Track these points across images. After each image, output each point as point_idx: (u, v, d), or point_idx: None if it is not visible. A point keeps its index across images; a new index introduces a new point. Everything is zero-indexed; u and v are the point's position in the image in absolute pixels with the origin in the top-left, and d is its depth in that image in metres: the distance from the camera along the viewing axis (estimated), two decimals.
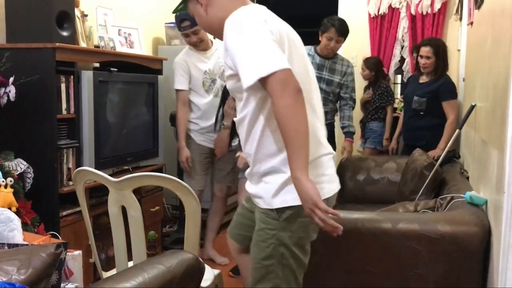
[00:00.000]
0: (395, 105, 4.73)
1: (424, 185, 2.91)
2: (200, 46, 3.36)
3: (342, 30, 3.56)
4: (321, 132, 1.69)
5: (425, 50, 3.72)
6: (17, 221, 1.87)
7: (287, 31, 1.61)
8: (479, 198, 2.16)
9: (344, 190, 3.91)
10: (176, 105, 3.43)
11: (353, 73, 3.76)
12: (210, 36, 3.40)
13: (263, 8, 1.64)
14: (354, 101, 3.79)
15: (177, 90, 3.39)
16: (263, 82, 1.43)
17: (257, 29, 1.48)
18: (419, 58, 3.78)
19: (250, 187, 1.72)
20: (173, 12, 1.91)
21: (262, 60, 1.42)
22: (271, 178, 1.60)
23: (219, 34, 1.62)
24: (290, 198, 1.54)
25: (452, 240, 1.99)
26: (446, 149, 3.09)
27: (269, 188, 1.60)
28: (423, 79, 3.81)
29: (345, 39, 3.62)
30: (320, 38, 3.65)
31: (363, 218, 2.15)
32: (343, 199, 3.92)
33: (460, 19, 4.43)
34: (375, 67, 4.52)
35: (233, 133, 3.14)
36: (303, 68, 1.63)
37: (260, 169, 1.62)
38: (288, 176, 1.51)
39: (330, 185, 1.66)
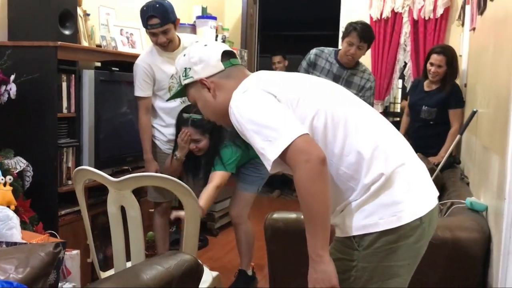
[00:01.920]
0: (397, 110, 4.75)
1: None
2: (169, 47, 2.89)
3: (365, 35, 3.23)
4: (388, 142, 1.45)
5: (438, 59, 3.59)
6: (15, 219, 1.87)
7: (289, 81, 1.53)
8: (479, 204, 2.15)
9: None
10: (138, 113, 2.99)
11: (373, 87, 3.42)
12: (179, 34, 3.01)
13: (261, 74, 1.58)
14: None
15: (138, 97, 2.95)
16: (281, 155, 1.30)
17: (260, 98, 1.41)
18: (429, 65, 3.64)
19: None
20: (168, 100, 1.83)
21: (274, 134, 1.32)
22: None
23: (228, 120, 1.47)
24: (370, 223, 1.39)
25: (453, 246, 1.98)
26: (447, 154, 3.09)
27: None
28: (430, 86, 3.71)
29: (369, 46, 3.32)
30: (341, 45, 3.40)
31: None
32: None
33: (462, 24, 4.43)
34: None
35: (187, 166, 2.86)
36: (329, 94, 1.50)
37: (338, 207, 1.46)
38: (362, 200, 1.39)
39: (417, 205, 1.41)
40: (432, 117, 3.66)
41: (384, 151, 1.40)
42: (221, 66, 1.54)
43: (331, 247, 1.46)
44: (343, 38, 3.33)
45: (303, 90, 1.47)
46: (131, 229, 1.83)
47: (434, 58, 3.59)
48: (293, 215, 2.28)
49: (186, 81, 1.55)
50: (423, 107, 3.70)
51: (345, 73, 3.37)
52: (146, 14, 2.80)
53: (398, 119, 4.57)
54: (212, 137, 2.68)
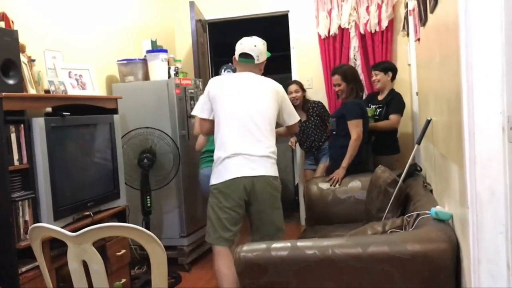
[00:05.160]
0: None
1: (390, 202, 2.92)
2: None
3: None
4: (232, 143, 2.92)
5: (334, 79, 4.08)
6: None
7: (216, 88, 3.04)
8: (444, 214, 2.17)
9: (312, 212, 3.91)
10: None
11: None
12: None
13: (219, 77, 3.31)
14: None
15: None
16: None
17: (205, 90, 3.12)
18: (333, 86, 4.16)
19: None
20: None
21: (196, 107, 3.23)
22: None
23: None
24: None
25: (423, 259, 1.98)
26: (408, 164, 3.12)
27: None
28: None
29: None
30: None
31: (333, 245, 2.12)
32: (312, 221, 3.91)
33: (408, 34, 4.55)
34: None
35: None
36: (230, 101, 2.98)
37: None
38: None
39: (229, 173, 2.89)
40: (333, 127, 4.02)
41: (225, 146, 2.93)
42: (237, 58, 3.10)
43: None
44: None
45: (222, 97, 3.00)
46: (95, 284, 1.75)
47: (332, 79, 4.12)
48: (263, 245, 2.24)
49: None
50: (330, 118, 4.17)
51: None
52: None
53: None
54: None
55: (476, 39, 1.65)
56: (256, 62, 3.06)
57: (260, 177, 2.87)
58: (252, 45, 3.05)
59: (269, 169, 2.91)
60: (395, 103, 4.27)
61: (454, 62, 1.86)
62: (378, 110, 4.34)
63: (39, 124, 2.75)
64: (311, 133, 4.59)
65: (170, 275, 3.76)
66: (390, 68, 4.38)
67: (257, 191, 2.88)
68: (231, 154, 2.88)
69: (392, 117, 4.22)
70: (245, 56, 3.04)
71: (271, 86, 3.06)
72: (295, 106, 4.58)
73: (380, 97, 4.41)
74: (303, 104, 4.64)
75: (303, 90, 4.67)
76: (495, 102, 1.64)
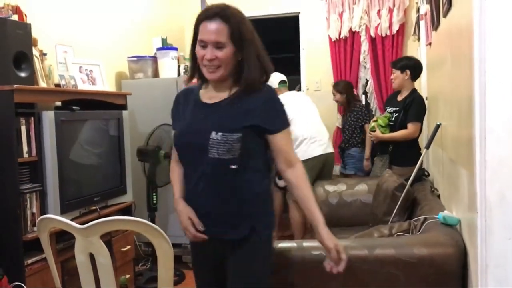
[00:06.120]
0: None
1: (397, 206, 2.91)
2: None
3: None
4: None
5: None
6: None
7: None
8: (452, 218, 2.16)
9: None
10: None
11: None
12: None
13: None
14: None
15: None
16: None
17: None
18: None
19: None
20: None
21: None
22: None
23: None
24: None
25: (429, 263, 1.98)
26: (416, 168, 3.11)
27: None
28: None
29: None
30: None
31: None
32: None
33: (418, 39, 4.54)
34: (346, 90, 4.60)
35: None
36: None
37: None
38: None
39: None
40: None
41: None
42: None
43: None
44: None
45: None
46: (102, 277, 1.75)
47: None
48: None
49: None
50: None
51: None
52: None
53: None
54: None
55: (490, 44, 1.65)
56: None
57: None
58: None
59: None
60: (414, 109, 3.72)
61: (467, 67, 1.85)
62: (394, 115, 3.86)
63: (49, 117, 2.76)
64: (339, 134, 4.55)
65: (174, 272, 3.76)
66: (408, 66, 3.81)
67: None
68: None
69: (410, 126, 3.70)
70: (284, 82, 3.99)
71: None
72: None
73: (399, 98, 3.91)
74: (345, 106, 4.66)
75: (341, 92, 4.61)
76: (507, 107, 1.63)
